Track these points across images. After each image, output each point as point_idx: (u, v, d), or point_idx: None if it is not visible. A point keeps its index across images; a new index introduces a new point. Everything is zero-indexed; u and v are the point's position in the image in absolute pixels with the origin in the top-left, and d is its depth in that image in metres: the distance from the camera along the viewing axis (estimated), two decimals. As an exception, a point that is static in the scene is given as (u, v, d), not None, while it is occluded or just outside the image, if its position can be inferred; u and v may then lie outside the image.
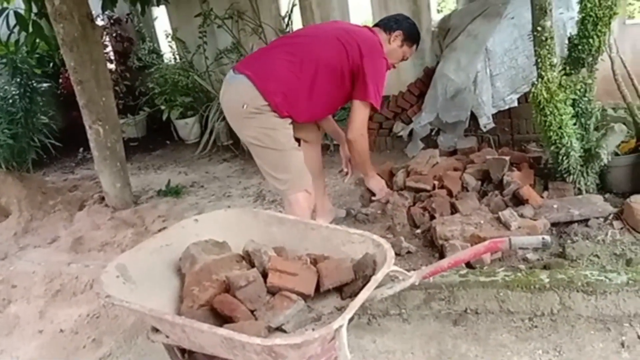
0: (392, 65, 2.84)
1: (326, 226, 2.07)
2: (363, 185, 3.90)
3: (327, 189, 3.68)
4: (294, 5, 5.11)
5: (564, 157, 2.88)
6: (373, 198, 3.19)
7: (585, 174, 2.95)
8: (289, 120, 2.63)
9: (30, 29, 4.43)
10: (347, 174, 3.17)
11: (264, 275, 1.80)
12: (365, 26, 2.87)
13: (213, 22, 5.39)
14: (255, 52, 2.87)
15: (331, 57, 2.58)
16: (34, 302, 2.94)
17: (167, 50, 6.26)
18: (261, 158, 2.67)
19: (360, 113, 2.67)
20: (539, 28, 2.77)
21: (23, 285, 3.09)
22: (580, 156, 2.90)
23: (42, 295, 2.99)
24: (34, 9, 4.38)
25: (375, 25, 2.89)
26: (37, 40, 4.87)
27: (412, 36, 2.84)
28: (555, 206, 2.81)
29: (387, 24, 2.81)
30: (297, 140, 2.75)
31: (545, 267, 2.43)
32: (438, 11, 5.58)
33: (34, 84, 4.68)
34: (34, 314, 2.85)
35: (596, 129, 3.03)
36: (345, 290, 1.84)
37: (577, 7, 2.81)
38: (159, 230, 3.36)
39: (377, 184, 3.12)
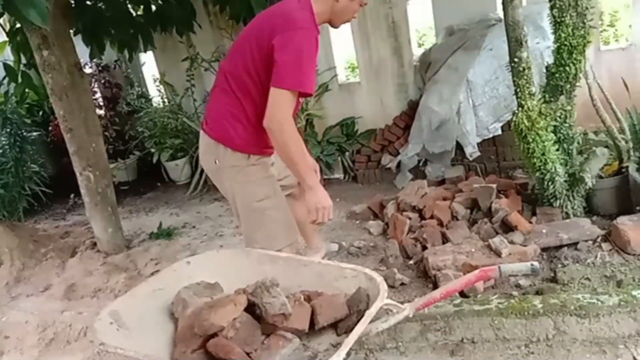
0: (351, 19, 2.34)
1: (318, 262, 2.08)
2: (354, 218, 3.94)
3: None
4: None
5: (550, 183, 2.93)
6: (310, 219, 2.31)
7: (571, 198, 3.00)
8: (268, 165, 2.39)
9: (20, 80, 4.48)
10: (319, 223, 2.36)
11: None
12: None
13: (200, 65, 5.49)
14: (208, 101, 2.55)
15: (247, 60, 2.19)
16: (28, 352, 2.90)
17: (156, 94, 6.32)
18: (245, 224, 2.43)
19: (275, 99, 2.09)
20: (515, 59, 2.86)
21: (16, 335, 3.04)
22: (565, 181, 2.96)
23: (36, 344, 2.94)
24: (23, 60, 4.44)
25: None
26: (27, 90, 4.92)
27: None
28: (544, 231, 2.85)
29: None
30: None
31: (538, 293, 2.45)
32: (419, 45, 5.72)
33: (24, 133, 4.71)
34: (27, 365, 2.81)
35: (579, 153, 3.10)
36: (340, 326, 1.84)
37: (552, 37, 2.91)
38: (152, 274, 3.35)
39: (314, 200, 2.22)
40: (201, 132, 2.42)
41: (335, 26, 2.37)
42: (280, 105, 2.10)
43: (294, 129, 2.15)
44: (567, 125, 2.96)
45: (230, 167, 2.31)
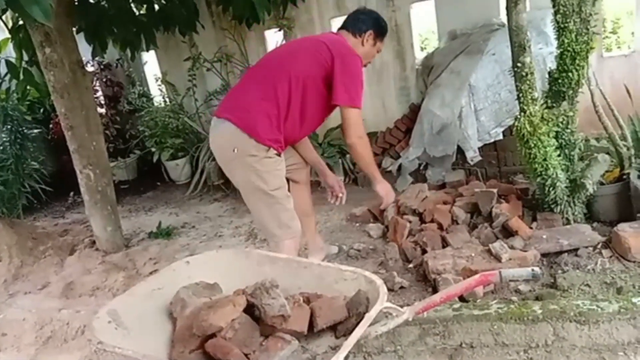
0: (367, 64, 2.76)
1: (318, 264, 2.08)
2: (354, 220, 3.93)
3: (319, 226, 3.70)
4: (280, 46, 5.23)
5: (551, 188, 2.93)
6: (381, 207, 3.20)
7: (572, 204, 3.00)
8: (280, 160, 2.60)
9: (21, 77, 4.48)
10: (336, 197, 3.06)
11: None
12: (330, 32, 2.80)
13: (202, 66, 5.49)
14: (229, 94, 2.79)
15: (304, 69, 2.52)
16: (25, 350, 2.89)
17: (157, 93, 6.33)
18: (252, 203, 2.63)
19: (353, 117, 2.55)
20: (519, 64, 2.86)
21: (13, 333, 3.03)
22: (566, 187, 2.95)
23: (33, 342, 2.94)
24: (25, 57, 4.44)
25: (341, 28, 2.77)
26: (28, 88, 4.93)
27: (381, 30, 2.75)
28: (544, 237, 2.84)
29: (355, 26, 2.70)
30: (287, 180, 2.74)
31: (537, 298, 2.45)
32: (421, 49, 5.73)
33: (25, 131, 4.71)
34: (24, 362, 2.80)
35: (581, 159, 3.09)
36: (339, 329, 1.83)
37: (555, 43, 2.91)
38: (151, 273, 3.34)
39: (383, 188, 2.86)
40: (219, 120, 2.56)
41: None
42: (358, 122, 2.56)
43: (367, 140, 2.67)
44: (569, 131, 2.96)
45: (249, 155, 2.49)
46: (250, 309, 1.79)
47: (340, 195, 3.06)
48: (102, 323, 1.76)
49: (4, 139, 4.63)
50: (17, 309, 3.35)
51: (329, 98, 2.55)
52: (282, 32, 5.13)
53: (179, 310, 1.87)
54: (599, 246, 2.77)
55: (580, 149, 3.04)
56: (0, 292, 3.64)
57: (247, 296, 1.79)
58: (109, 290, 3.43)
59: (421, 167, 4.46)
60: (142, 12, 4.89)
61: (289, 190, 2.71)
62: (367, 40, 2.70)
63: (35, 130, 4.99)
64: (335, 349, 1.73)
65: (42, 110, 6.09)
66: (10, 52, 5.05)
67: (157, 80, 6.20)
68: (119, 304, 1.87)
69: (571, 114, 2.94)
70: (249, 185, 2.57)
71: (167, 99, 6.14)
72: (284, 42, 5.17)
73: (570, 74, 2.83)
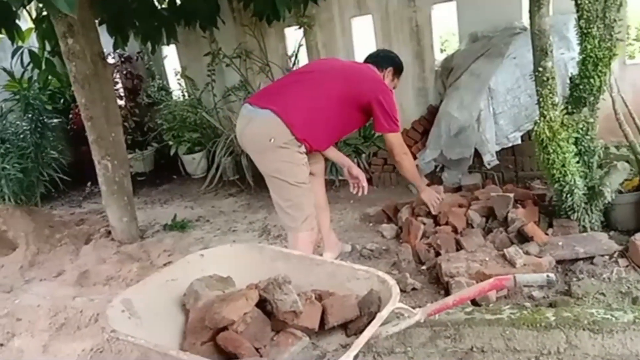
0: None
1: (331, 262, 2.08)
2: (368, 220, 3.93)
3: (332, 225, 3.70)
4: (300, 45, 5.23)
5: (568, 195, 2.90)
6: (432, 212, 3.37)
7: (589, 212, 2.96)
8: (306, 159, 2.79)
9: (43, 67, 4.54)
10: (360, 188, 3.09)
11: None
12: (365, 64, 3.10)
13: (221, 61, 5.51)
14: (270, 88, 3.05)
15: (341, 91, 2.78)
16: (38, 335, 2.93)
17: (176, 87, 6.37)
18: (278, 192, 2.80)
19: (395, 140, 2.94)
20: (540, 68, 2.83)
21: (28, 318, 3.08)
22: (584, 194, 2.92)
23: (47, 329, 2.98)
24: (48, 48, 4.51)
25: (366, 61, 3.11)
26: (50, 78, 5.00)
27: (400, 68, 3.14)
28: (560, 243, 2.82)
29: (379, 63, 3.05)
30: None
31: (551, 305, 2.42)
32: (441, 50, 5.69)
33: (45, 120, 4.77)
34: (37, 348, 2.83)
35: (600, 167, 3.06)
36: (350, 327, 1.84)
37: (577, 48, 2.87)
38: (165, 265, 3.37)
39: (430, 197, 3.32)
40: (256, 109, 2.72)
41: None
42: (400, 142, 2.97)
43: (410, 155, 3.12)
44: (588, 137, 2.93)
45: (283, 147, 2.67)
46: (262, 304, 1.80)
47: (364, 185, 3.09)
48: (116, 312, 1.78)
49: (25, 128, 4.69)
50: (32, 295, 3.41)
51: (354, 118, 2.90)
52: (302, 30, 5.13)
53: (192, 302, 1.89)
54: (615, 255, 2.73)
55: (599, 156, 3.00)
56: (17, 278, 3.70)
57: (260, 291, 1.80)
58: (122, 280, 3.47)
59: (437, 169, 4.43)
60: (163, 6, 4.93)
61: None
62: (387, 76, 3.05)
63: (56, 120, 5.06)
64: (345, 347, 1.74)
65: (62, 100, 6.16)
66: (33, 42, 5.13)
67: (176, 74, 6.24)
68: (133, 293, 1.89)
69: (591, 120, 2.90)
70: (277, 176, 2.73)
71: (185, 93, 6.18)
72: (303, 41, 5.18)
73: (591, 80, 2.80)
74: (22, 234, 4.08)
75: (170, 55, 6.41)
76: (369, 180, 4.81)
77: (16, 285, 3.58)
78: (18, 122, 4.79)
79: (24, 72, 4.77)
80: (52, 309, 3.12)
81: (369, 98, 2.78)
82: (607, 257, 2.73)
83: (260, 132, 2.71)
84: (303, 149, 2.75)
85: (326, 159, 3.20)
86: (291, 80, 2.96)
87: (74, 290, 3.41)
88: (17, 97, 4.84)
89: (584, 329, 2.19)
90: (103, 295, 3.25)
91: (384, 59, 3.10)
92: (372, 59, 3.12)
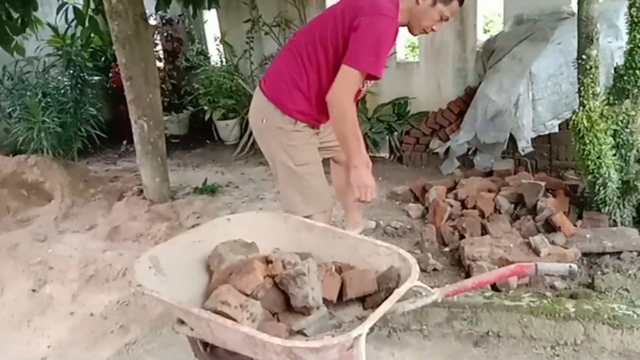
0: (429, 29, 2.33)
1: (354, 236, 2.10)
2: (394, 198, 3.93)
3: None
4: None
5: (601, 187, 2.84)
6: (352, 199, 2.48)
7: (621, 206, 2.91)
8: (313, 134, 2.43)
9: (86, 24, 4.60)
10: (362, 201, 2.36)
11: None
12: None
13: (261, 29, 5.52)
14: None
15: (331, 34, 2.21)
16: (68, 285, 3.05)
17: (215, 52, 6.40)
18: (279, 177, 2.46)
19: (344, 74, 2.13)
20: (584, 56, 2.75)
21: (59, 267, 3.20)
22: (617, 187, 2.86)
23: (76, 279, 3.09)
24: (92, 5, 4.56)
25: None
26: (92, 35, 5.07)
27: None
28: (588, 236, 2.78)
29: None
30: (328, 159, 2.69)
31: (572, 297, 2.41)
32: (485, 31, 5.57)
33: (86, 77, 4.87)
34: (67, 296, 2.95)
35: (637, 161, 2.98)
36: (368, 301, 1.86)
37: (626, 37, 2.78)
38: (193, 226, 3.45)
39: (357, 179, 2.25)
40: (257, 89, 2.44)
41: (413, 32, 2.39)
42: (347, 82, 2.15)
43: (352, 108, 2.21)
44: (628, 130, 2.85)
45: (276, 128, 2.35)
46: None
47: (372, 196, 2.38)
48: (143, 267, 1.85)
49: (66, 83, 4.79)
50: (64, 245, 3.53)
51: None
52: (343, 1, 5.07)
53: (216, 264, 1.94)
54: (644, 252, 2.69)
55: (637, 151, 2.92)
56: (51, 228, 3.83)
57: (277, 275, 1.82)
58: (151, 237, 3.56)
59: (469, 152, 4.39)
60: (207, -31, 4.92)
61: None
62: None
63: (96, 78, 5.15)
64: (361, 319, 1.77)
65: (103, 58, 6.26)
66: (78, -1, 5.20)
67: (215, 40, 6.27)
68: (161, 251, 1.95)
69: (633, 113, 2.82)
70: (276, 158, 2.42)
71: (223, 59, 6.21)
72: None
73: (637, 72, 2.71)
74: (58, 186, 4.22)
75: (211, 20, 6.43)
76: (399, 159, 4.82)
77: (50, 235, 3.71)
78: (59, 78, 4.89)
79: (67, 29, 4.84)
80: (83, 261, 3.24)
81: (356, 26, 2.12)
82: (635, 253, 2.69)
83: (252, 113, 2.47)
84: (301, 124, 2.34)
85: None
86: (286, 45, 2.49)
87: (105, 244, 3.53)
88: (60, 52, 4.93)
89: (603, 323, 2.18)
90: (132, 250, 3.34)
91: None
92: None
